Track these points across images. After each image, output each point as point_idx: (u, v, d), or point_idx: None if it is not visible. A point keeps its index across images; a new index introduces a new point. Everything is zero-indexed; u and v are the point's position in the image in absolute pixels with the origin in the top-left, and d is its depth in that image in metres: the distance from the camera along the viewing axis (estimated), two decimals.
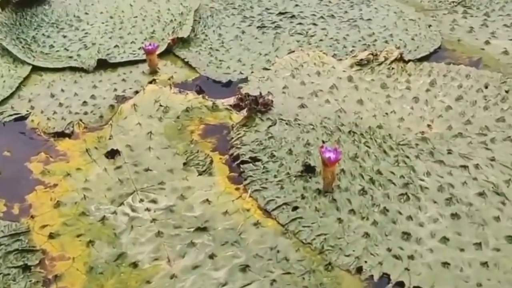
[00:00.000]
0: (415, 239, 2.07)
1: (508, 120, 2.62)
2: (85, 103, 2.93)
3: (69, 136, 2.70)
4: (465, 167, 2.37)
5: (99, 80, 3.14)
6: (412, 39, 3.39)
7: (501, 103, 2.73)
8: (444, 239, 2.05)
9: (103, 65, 3.24)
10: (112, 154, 2.54)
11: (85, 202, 2.29)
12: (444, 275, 1.93)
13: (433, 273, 1.94)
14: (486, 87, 2.85)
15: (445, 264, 1.97)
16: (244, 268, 1.99)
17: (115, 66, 3.26)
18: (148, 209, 2.26)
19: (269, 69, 3.11)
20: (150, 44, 3.17)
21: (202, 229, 2.16)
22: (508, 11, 3.62)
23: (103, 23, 3.65)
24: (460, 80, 2.93)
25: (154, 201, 2.30)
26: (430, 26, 3.50)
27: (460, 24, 3.52)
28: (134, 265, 2.03)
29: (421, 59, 3.20)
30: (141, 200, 2.31)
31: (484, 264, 1.96)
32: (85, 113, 2.85)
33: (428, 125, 2.63)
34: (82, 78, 3.17)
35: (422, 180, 2.32)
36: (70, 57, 3.32)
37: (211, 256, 2.05)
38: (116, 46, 3.41)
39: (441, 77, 2.96)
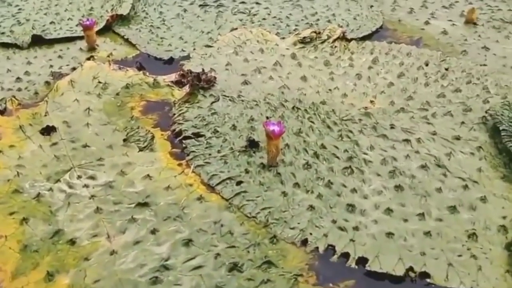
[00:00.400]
0: (359, 211, 2.06)
1: (448, 95, 2.65)
2: (18, 79, 2.80)
3: (1, 113, 2.57)
4: (407, 141, 2.38)
5: (34, 57, 3.01)
6: (354, 18, 3.40)
7: (441, 80, 2.77)
8: (388, 210, 2.06)
9: (38, 41, 3.11)
10: (48, 130, 2.43)
11: (18, 179, 2.18)
12: (389, 245, 1.93)
13: (377, 243, 1.94)
14: (427, 65, 2.89)
15: (389, 235, 1.97)
16: (187, 242, 1.94)
17: (51, 42, 3.14)
18: (86, 186, 2.17)
19: (211, 46, 3.05)
20: (87, 20, 3.05)
21: (143, 205, 2.09)
22: None
23: None
24: (401, 58, 2.95)
25: (92, 178, 2.21)
26: (371, 6, 3.52)
27: (400, 5, 3.56)
28: (72, 242, 1.94)
29: (363, 38, 3.21)
30: (79, 177, 2.21)
31: (427, 233, 1.97)
32: (19, 90, 2.72)
33: (371, 101, 2.64)
34: (15, 54, 3.03)
35: (366, 153, 2.32)
36: (3, 33, 3.18)
37: (153, 231, 1.98)
38: (52, 22, 3.28)
39: (383, 55, 2.98)
